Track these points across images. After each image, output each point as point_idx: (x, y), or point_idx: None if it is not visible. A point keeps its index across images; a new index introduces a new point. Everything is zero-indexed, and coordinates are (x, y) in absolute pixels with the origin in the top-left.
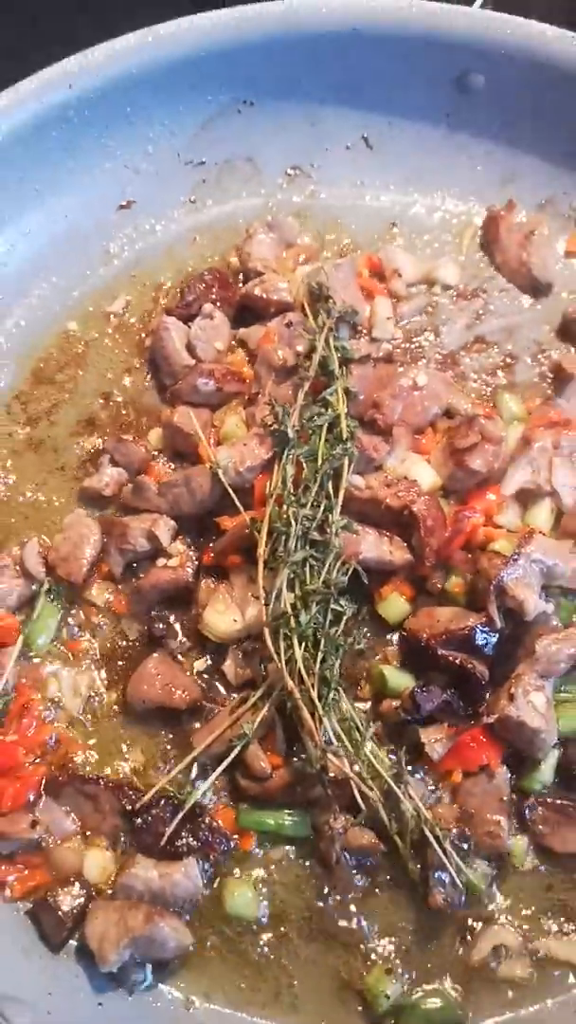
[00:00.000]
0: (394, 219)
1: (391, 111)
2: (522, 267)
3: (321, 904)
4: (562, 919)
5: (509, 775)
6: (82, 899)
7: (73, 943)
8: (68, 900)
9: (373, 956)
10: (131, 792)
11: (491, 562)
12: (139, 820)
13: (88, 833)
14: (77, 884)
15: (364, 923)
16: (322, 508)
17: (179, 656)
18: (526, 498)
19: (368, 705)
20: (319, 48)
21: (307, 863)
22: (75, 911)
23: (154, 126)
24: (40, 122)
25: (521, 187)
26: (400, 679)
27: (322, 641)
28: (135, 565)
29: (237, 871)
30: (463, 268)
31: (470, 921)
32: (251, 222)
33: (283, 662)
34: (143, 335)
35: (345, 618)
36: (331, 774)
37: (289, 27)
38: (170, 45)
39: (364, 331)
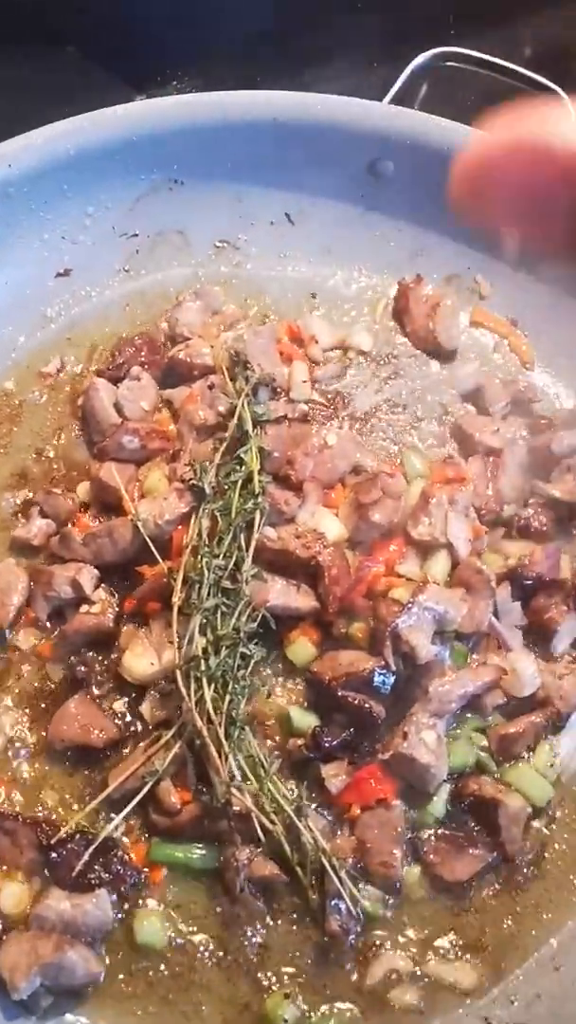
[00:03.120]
0: (314, 290)
1: (311, 191)
2: (429, 335)
3: (226, 933)
4: (449, 944)
5: (404, 808)
6: None
7: None
8: None
9: (273, 981)
10: (48, 828)
11: (388, 609)
12: (54, 854)
13: (5, 867)
14: None
15: (265, 950)
16: (234, 558)
17: (99, 697)
18: (425, 549)
19: (276, 743)
20: (244, 135)
21: (213, 894)
22: None
23: (90, 201)
24: None
25: (429, 262)
26: (305, 719)
27: (230, 683)
28: (61, 611)
29: (147, 903)
30: (376, 335)
31: (365, 947)
32: (180, 291)
33: (193, 702)
34: (75, 395)
35: (253, 661)
36: (236, 808)
37: (216, 117)
38: (104, 130)
39: (283, 392)
